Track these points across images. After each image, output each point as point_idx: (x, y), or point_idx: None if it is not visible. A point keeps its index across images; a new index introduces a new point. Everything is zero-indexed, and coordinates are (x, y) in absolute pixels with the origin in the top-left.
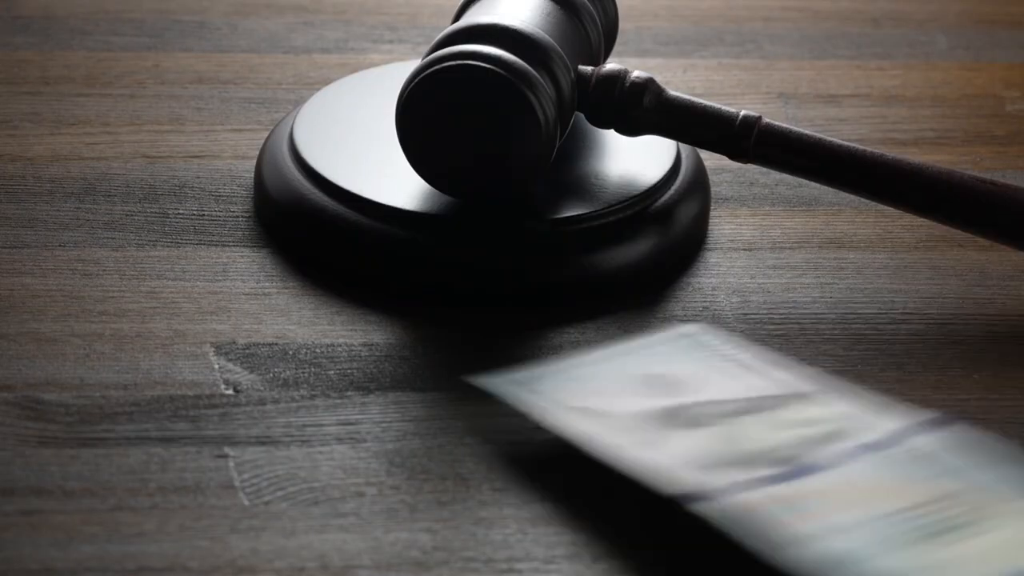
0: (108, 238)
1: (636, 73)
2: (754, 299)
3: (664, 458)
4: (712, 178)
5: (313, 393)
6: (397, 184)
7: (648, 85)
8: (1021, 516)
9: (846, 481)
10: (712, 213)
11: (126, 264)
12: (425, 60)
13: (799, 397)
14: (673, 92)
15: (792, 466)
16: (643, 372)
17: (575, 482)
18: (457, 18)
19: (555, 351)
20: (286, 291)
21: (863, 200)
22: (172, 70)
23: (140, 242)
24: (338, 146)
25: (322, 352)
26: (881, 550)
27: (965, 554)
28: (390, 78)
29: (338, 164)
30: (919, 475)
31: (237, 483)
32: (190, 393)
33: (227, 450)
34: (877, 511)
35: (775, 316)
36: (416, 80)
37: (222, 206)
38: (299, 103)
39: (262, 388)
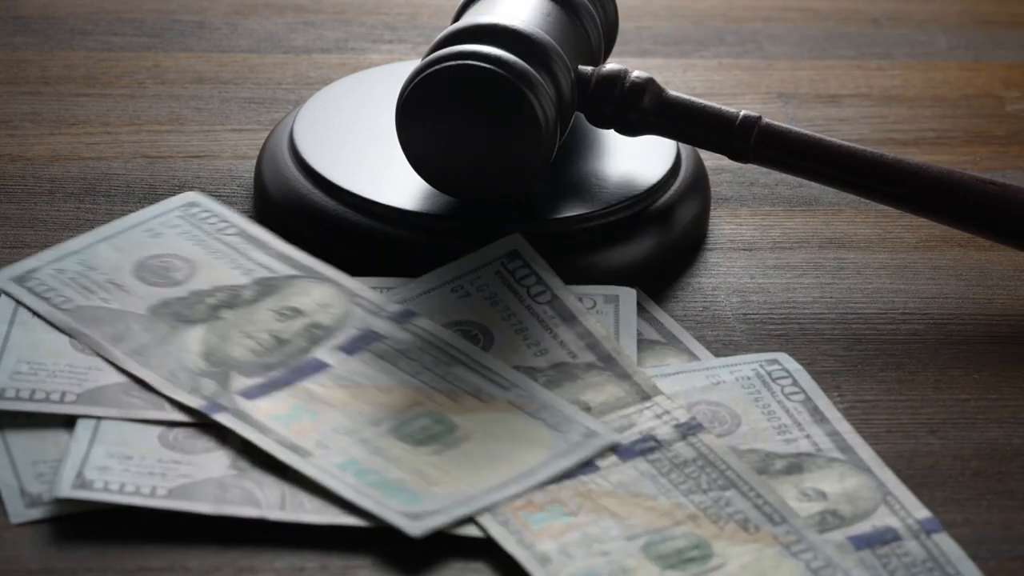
0: None
1: (636, 73)
2: (754, 299)
3: (171, 365)
4: (712, 178)
5: None
6: (397, 184)
7: (648, 85)
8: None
9: (348, 381)
10: (712, 213)
11: None
12: (425, 60)
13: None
14: (673, 92)
15: (290, 368)
16: (142, 255)
17: None
18: (457, 18)
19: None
20: None
21: (863, 200)
22: (172, 70)
23: None
24: (338, 146)
25: None
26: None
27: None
28: (390, 78)
29: (338, 164)
30: (398, 375)
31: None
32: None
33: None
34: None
35: (775, 316)
36: (416, 80)
37: None
38: (299, 103)
39: None
